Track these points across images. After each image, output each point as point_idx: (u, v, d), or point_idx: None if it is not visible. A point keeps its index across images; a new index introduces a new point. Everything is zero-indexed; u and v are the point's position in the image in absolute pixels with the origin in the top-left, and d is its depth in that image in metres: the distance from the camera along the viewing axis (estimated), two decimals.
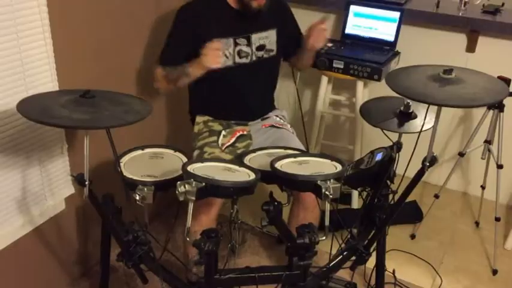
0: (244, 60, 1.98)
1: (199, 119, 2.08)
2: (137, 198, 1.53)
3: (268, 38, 2.02)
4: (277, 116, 2.17)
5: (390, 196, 1.84)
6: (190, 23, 1.90)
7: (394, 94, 1.53)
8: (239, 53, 1.96)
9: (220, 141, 1.97)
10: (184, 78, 1.92)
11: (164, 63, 1.95)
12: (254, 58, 2.00)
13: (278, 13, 2.05)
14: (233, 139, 1.99)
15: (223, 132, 2.01)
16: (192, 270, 1.92)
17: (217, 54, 1.81)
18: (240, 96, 2.01)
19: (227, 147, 1.96)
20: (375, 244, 1.89)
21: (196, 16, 1.90)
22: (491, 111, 2.28)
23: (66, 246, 2.08)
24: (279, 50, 2.08)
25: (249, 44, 1.98)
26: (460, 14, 2.55)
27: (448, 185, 2.57)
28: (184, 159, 1.73)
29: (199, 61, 1.83)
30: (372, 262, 1.96)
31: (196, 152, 1.98)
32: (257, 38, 1.99)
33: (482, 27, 2.51)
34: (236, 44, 1.95)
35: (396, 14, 2.51)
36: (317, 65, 2.41)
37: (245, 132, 2.04)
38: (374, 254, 1.93)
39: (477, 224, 2.68)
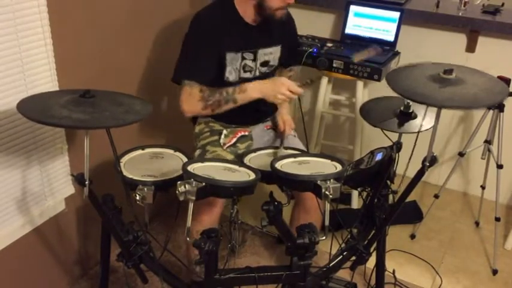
0: (248, 75, 1.95)
1: (201, 119, 2.07)
2: (137, 198, 1.53)
3: (272, 54, 2.00)
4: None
5: (390, 196, 1.84)
6: (208, 33, 1.85)
7: (394, 94, 1.52)
8: (244, 67, 1.93)
9: (221, 140, 1.97)
10: (229, 105, 1.84)
11: (197, 79, 1.82)
12: (257, 73, 1.98)
13: (284, 28, 2.02)
14: (234, 139, 1.99)
15: (224, 132, 2.00)
16: (195, 270, 1.92)
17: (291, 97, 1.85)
18: (242, 108, 2.01)
19: (228, 146, 1.96)
20: (375, 244, 1.89)
21: (211, 26, 1.85)
22: (491, 111, 2.28)
23: (66, 246, 2.08)
24: (279, 64, 2.07)
25: (254, 59, 1.94)
26: (460, 14, 2.55)
27: (448, 185, 2.57)
28: (185, 159, 1.73)
29: (259, 90, 1.82)
30: (372, 262, 1.96)
31: (198, 152, 1.97)
32: (262, 54, 1.96)
33: (482, 27, 2.51)
34: (243, 58, 1.92)
35: (396, 14, 2.51)
36: (317, 65, 2.42)
37: (246, 133, 2.04)
38: (374, 254, 1.93)
39: (477, 224, 2.68)
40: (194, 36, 1.86)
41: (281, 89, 1.80)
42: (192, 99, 1.82)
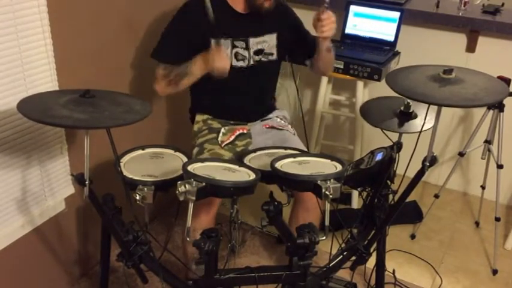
0: (241, 64, 1.97)
1: (198, 117, 2.08)
2: (137, 198, 1.53)
3: (266, 42, 2.00)
4: (277, 116, 2.17)
5: (390, 196, 1.84)
6: (191, 20, 1.89)
7: (394, 94, 1.53)
8: (236, 55, 1.95)
9: (219, 138, 1.97)
10: (186, 78, 1.88)
11: (162, 58, 1.90)
12: (252, 62, 1.98)
13: (279, 17, 2.03)
14: (233, 137, 1.99)
15: (222, 130, 2.01)
16: (192, 268, 1.92)
17: (223, 55, 1.81)
18: (238, 99, 2.01)
19: (226, 144, 1.97)
20: (375, 244, 1.89)
21: (197, 14, 1.89)
22: (491, 111, 2.28)
23: (66, 246, 2.08)
24: (279, 53, 2.05)
25: (246, 47, 1.96)
26: (460, 14, 2.55)
27: (448, 185, 2.57)
28: (185, 159, 1.73)
29: (204, 59, 1.83)
30: (372, 262, 1.96)
31: (196, 149, 1.98)
32: (255, 43, 1.97)
33: (482, 27, 2.51)
34: (234, 46, 1.94)
35: (396, 14, 2.51)
36: None
37: (245, 131, 2.04)
38: (374, 254, 1.93)
39: (477, 224, 2.68)
40: (177, 21, 1.92)
41: (216, 59, 1.81)
42: (158, 78, 1.91)
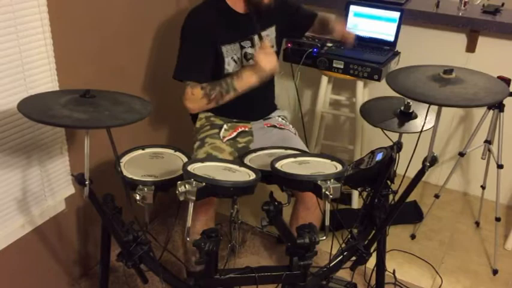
0: (251, 62, 1.98)
1: (201, 114, 2.09)
2: (137, 198, 1.53)
3: (269, 36, 2.04)
4: (279, 116, 2.18)
5: (390, 196, 1.84)
6: (203, 30, 1.88)
7: (394, 94, 1.53)
8: (245, 55, 1.97)
9: (221, 134, 1.99)
10: (232, 93, 1.87)
11: (194, 78, 1.86)
12: None
13: (276, 9, 2.05)
14: (234, 134, 2.01)
15: (224, 126, 2.03)
16: (191, 260, 1.92)
17: (270, 53, 1.84)
18: (243, 98, 2.01)
19: (228, 140, 1.98)
20: (375, 244, 1.89)
21: (205, 23, 1.89)
22: (491, 111, 2.28)
23: (66, 246, 2.08)
24: (278, 46, 2.09)
25: (252, 45, 1.99)
26: (460, 14, 2.55)
27: (448, 185, 2.57)
28: (185, 159, 1.73)
29: (253, 73, 1.84)
30: (372, 262, 1.96)
31: (197, 143, 1.98)
32: (258, 38, 1.99)
33: (482, 27, 2.51)
34: (242, 48, 1.96)
35: (396, 14, 2.51)
36: (317, 65, 2.42)
37: (247, 129, 2.06)
38: (374, 254, 1.93)
39: (477, 224, 2.68)
40: (189, 36, 1.90)
41: (264, 61, 1.84)
42: (195, 97, 1.86)
